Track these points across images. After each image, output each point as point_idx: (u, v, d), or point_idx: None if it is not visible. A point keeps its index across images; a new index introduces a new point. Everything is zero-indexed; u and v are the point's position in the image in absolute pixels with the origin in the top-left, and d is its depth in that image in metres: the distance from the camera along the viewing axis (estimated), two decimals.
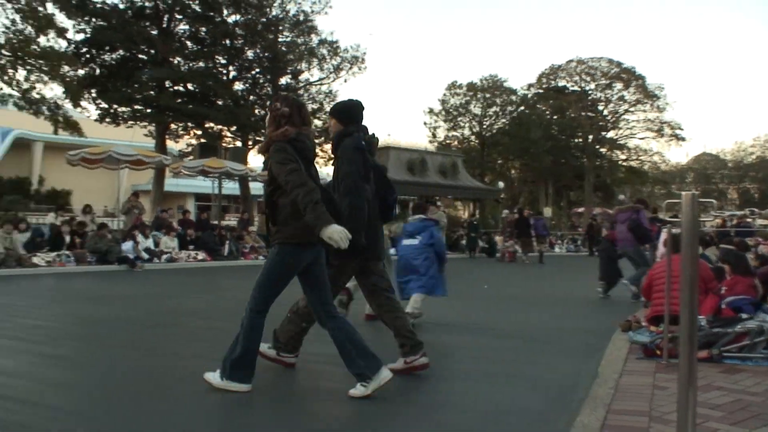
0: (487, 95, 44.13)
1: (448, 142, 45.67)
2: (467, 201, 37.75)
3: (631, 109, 45.93)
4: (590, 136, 45.98)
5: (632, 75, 44.81)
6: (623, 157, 48.06)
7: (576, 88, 47.11)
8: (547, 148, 42.06)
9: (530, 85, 48.47)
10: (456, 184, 32.57)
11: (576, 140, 46.77)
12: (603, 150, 47.28)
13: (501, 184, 40.65)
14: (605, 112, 46.75)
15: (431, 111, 46.29)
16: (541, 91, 47.96)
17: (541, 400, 4.26)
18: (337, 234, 3.78)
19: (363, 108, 4.86)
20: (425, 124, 46.92)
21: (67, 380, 4.64)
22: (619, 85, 45.32)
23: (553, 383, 4.70)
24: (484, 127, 44.80)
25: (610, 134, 46.77)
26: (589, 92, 46.85)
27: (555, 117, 46.39)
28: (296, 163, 3.99)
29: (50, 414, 3.77)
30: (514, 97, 45.26)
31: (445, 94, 45.49)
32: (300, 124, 4.21)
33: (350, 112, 4.82)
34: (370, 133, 4.89)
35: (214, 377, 4.20)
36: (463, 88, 44.65)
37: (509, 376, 4.90)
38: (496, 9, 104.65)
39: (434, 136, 46.29)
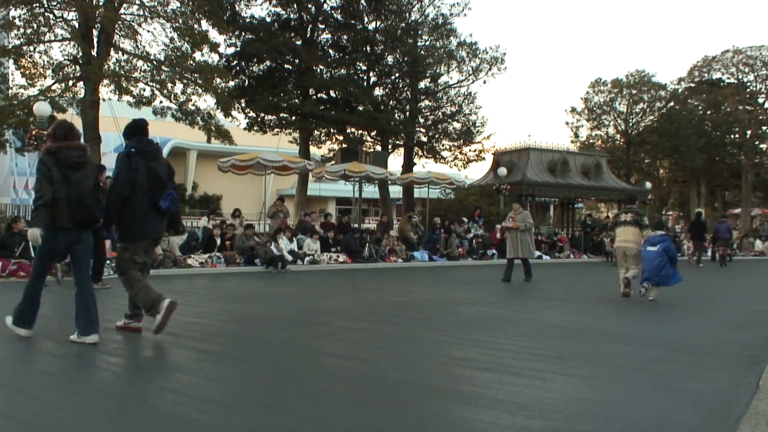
0: (634, 91, 42.10)
1: (591, 141, 44.13)
2: (612, 202, 36.35)
3: None
4: (749, 132, 43.09)
5: None
6: None
7: (732, 80, 44.36)
8: (699, 145, 39.69)
9: (681, 79, 46.21)
10: (599, 185, 31.45)
11: (732, 136, 43.80)
12: (763, 146, 44.20)
13: (648, 185, 38.69)
14: (766, 105, 43.54)
15: (573, 110, 44.92)
16: (692, 85, 45.52)
17: (694, 414, 3.97)
18: (30, 235, 5.40)
19: (146, 124, 6.27)
20: (567, 123, 45.58)
21: (220, 375, 4.87)
22: None
23: (707, 396, 4.39)
24: (630, 125, 42.79)
25: None
26: (748, 84, 43.96)
27: (708, 112, 43.72)
28: (48, 176, 5.25)
29: (205, 406, 3.96)
30: (662, 93, 42.85)
31: (588, 92, 43.84)
32: (61, 139, 5.39)
33: (131, 130, 6.18)
34: (156, 141, 6.26)
35: (7, 320, 5.74)
36: (608, 84, 42.85)
37: (658, 387, 4.59)
38: (643, 1, 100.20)
39: (576, 135, 44.93)
